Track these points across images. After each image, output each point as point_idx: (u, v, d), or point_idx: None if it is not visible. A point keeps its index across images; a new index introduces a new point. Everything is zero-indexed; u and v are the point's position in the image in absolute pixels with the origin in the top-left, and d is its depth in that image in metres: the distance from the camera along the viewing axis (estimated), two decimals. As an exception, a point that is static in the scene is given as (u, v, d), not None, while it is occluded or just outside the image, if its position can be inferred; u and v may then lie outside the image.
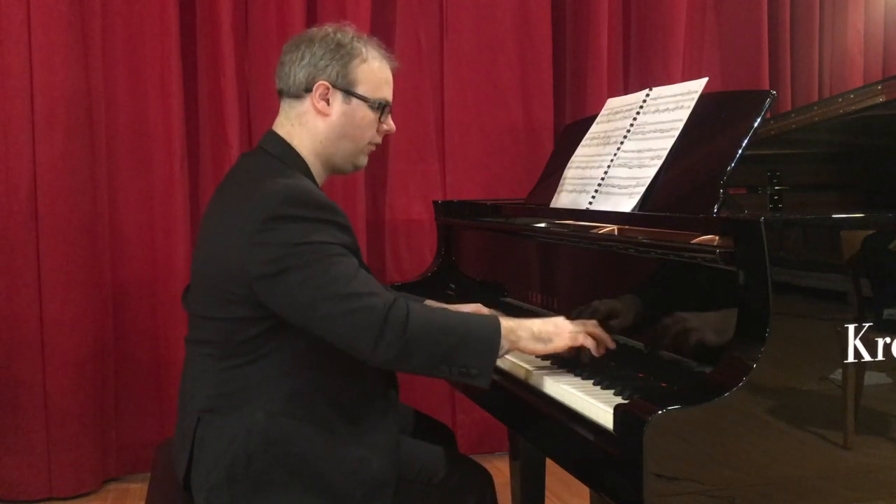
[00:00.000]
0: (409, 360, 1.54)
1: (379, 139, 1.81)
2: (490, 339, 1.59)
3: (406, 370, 1.62)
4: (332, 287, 1.51)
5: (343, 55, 1.71)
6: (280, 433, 1.59)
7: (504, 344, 1.61)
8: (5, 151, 3.03)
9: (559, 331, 1.66)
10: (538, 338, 1.65)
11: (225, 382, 1.62)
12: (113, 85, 3.20)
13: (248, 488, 1.59)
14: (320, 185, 1.77)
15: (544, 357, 1.79)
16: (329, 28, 1.75)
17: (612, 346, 1.67)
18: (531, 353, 1.69)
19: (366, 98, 1.74)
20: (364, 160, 1.81)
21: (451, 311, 1.63)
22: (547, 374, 1.67)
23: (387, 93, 1.78)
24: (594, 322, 1.70)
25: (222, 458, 1.59)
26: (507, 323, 1.63)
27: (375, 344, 1.51)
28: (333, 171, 1.80)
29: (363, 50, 1.74)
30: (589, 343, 1.66)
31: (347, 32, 1.75)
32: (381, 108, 1.76)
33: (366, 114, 1.75)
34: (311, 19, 3.30)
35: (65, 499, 3.12)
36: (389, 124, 1.81)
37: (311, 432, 1.60)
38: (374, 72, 1.75)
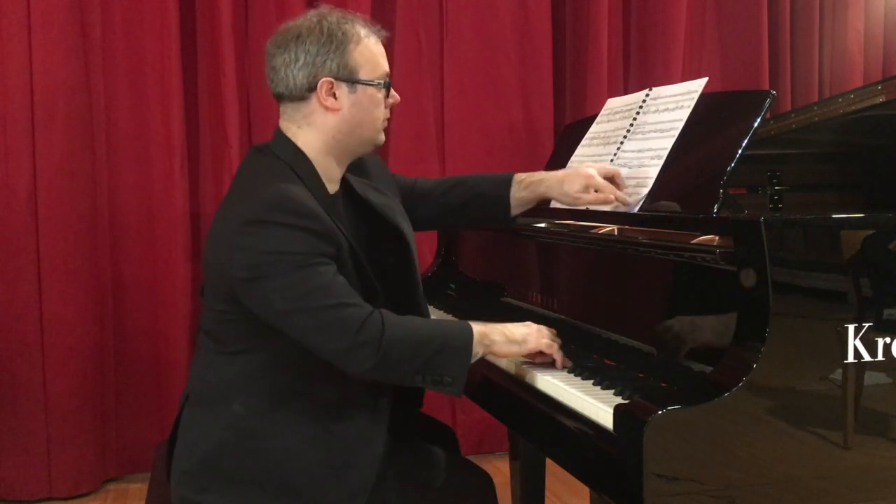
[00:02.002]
0: (386, 371, 1.55)
1: (388, 113, 1.75)
2: (464, 348, 1.59)
3: (383, 380, 1.63)
4: (306, 300, 1.50)
5: (337, 44, 1.64)
6: (255, 429, 1.59)
7: (478, 350, 1.61)
8: (5, 151, 3.03)
9: (531, 332, 1.68)
10: (512, 340, 1.66)
11: (210, 371, 1.64)
12: (113, 84, 3.20)
13: (218, 480, 1.59)
14: (332, 185, 1.72)
15: None
16: (312, 17, 1.67)
17: (568, 364, 1.69)
18: (506, 357, 1.72)
19: (370, 82, 1.68)
20: (383, 137, 1.75)
21: (426, 321, 1.63)
22: (547, 374, 1.66)
23: (385, 66, 1.72)
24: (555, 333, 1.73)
25: (197, 447, 1.61)
26: (479, 328, 1.62)
27: (350, 356, 1.51)
28: (353, 157, 1.75)
29: (353, 31, 1.67)
30: (558, 357, 1.68)
31: (332, 16, 1.67)
32: (386, 86, 1.71)
33: (373, 95, 1.69)
34: (312, 19, 3.30)
35: (64, 499, 3.13)
36: (394, 96, 1.75)
37: (287, 432, 1.60)
38: (371, 50, 1.68)
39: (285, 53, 1.64)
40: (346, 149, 1.71)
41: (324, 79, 1.64)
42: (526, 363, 1.74)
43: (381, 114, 1.72)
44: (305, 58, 1.63)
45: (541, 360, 1.71)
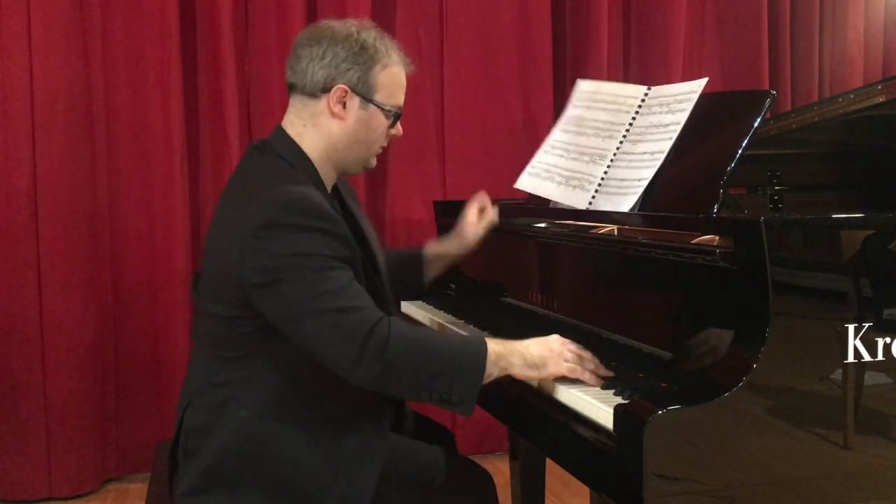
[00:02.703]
0: (390, 382, 1.52)
1: (386, 142, 1.76)
2: (475, 367, 1.54)
3: (388, 392, 1.59)
4: (319, 302, 1.49)
5: (366, 59, 1.65)
6: (259, 434, 1.59)
7: (493, 371, 1.56)
8: (5, 151, 3.03)
9: (553, 356, 1.59)
10: (531, 364, 1.59)
11: (214, 373, 1.63)
12: (113, 84, 3.20)
13: (221, 485, 1.59)
14: (329, 188, 1.74)
15: None
16: (352, 26, 1.68)
17: (608, 373, 1.60)
18: (523, 379, 1.64)
19: (383, 106, 1.69)
20: (374, 162, 1.78)
21: (438, 334, 1.59)
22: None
23: (401, 99, 1.73)
24: (590, 354, 1.63)
25: (201, 448, 1.60)
26: (496, 349, 1.57)
27: (356, 363, 1.49)
28: (343, 173, 1.77)
29: (385, 55, 1.68)
30: (586, 377, 1.58)
31: (371, 33, 1.68)
32: (396, 116, 1.72)
33: (381, 121, 1.70)
34: (311, 19, 3.30)
35: (65, 499, 3.12)
36: (398, 129, 1.76)
37: (291, 438, 1.59)
38: (394, 78, 1.70)
39: (314, 47, 1.66)
40: (341, 161, 1.73)
41: (340, 85, 1.65)
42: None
43: (381, 140, 1.74)
44: (332, 59, 1.65)
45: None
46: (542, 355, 1.60)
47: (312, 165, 1.68)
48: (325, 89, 1.66)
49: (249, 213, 1.55)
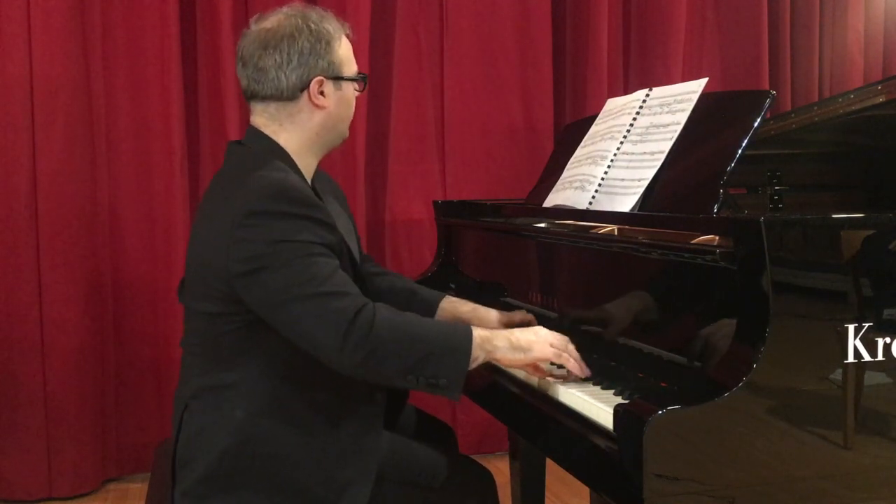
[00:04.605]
0: (376, 367, 1.50)
1: None
2: (461, 350, 1.53)
3: (375, 379, 1.58)
4: (306, 287, 1.49)
5: (324, 44, 1.67)
6: (257, 433, 1.58)
7: (479, 354, 1.56)
8: (5, 151, 3.03)
9: (539, 339, 1.61)
10: (516, 347, 1.59)
11: (208, 375, 1.62)
12: (113, 85, 3.20)
13: (218, 487, 1.58)
14: (309, 179, 1.74)
15: None
16: (295, 17, 1.69)
17: (587, 373, 1.61)
18: (510, 364, 1.65)
19: (352, 77, 1.73)
20: (348, 132, 1.80)
21: (423, 319, 1.59)
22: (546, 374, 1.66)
23: (355, 62, 1.77)
24: (573, 348, 1.64)
25: (200, 452, 1.60)
26: (482, 333, 1.58)
27: (340, 348, 1.48)
28: (327, 151, 1.79)
29: (331, 29, 1.70)
30: (571, 364, 1.60)
31: (311, 15, 1.70)
32: (364, 79, 1.76)
33: (353, 92, 1.75)
34: (312, 19, 3.30)
35: (65, 499, 3.13)
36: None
37: (288, 434, 1.59)
38: (346, 48, 1.73)
39: (276, 55, 1.66)
40: (325, 144, 1.75)
41: (316, 78, 1.67)
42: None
43: (353, 107, 1.77)
44: (299, 58, 1.66)
45: (559, 373, 1.64)
46: (529, 339, 1.61)
47: (290, 158, 1.69)
48: (303, 88, 1.68)
49: (233, 204, 1.54)
